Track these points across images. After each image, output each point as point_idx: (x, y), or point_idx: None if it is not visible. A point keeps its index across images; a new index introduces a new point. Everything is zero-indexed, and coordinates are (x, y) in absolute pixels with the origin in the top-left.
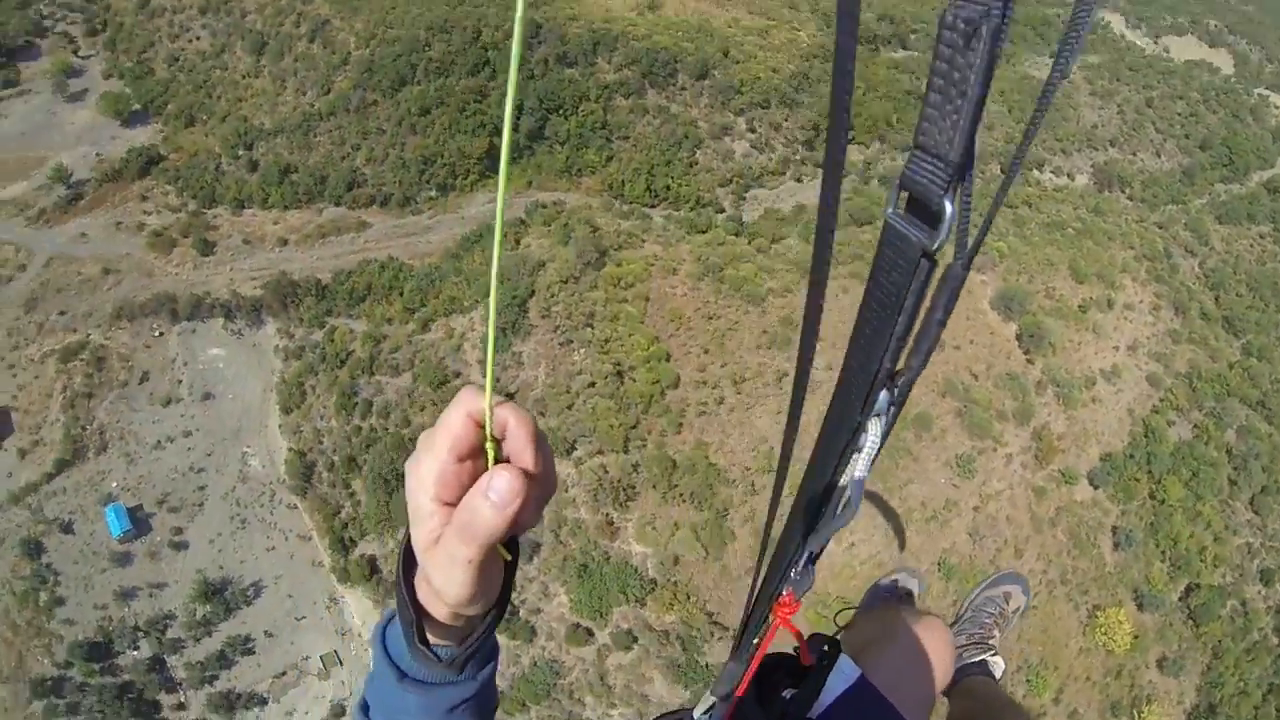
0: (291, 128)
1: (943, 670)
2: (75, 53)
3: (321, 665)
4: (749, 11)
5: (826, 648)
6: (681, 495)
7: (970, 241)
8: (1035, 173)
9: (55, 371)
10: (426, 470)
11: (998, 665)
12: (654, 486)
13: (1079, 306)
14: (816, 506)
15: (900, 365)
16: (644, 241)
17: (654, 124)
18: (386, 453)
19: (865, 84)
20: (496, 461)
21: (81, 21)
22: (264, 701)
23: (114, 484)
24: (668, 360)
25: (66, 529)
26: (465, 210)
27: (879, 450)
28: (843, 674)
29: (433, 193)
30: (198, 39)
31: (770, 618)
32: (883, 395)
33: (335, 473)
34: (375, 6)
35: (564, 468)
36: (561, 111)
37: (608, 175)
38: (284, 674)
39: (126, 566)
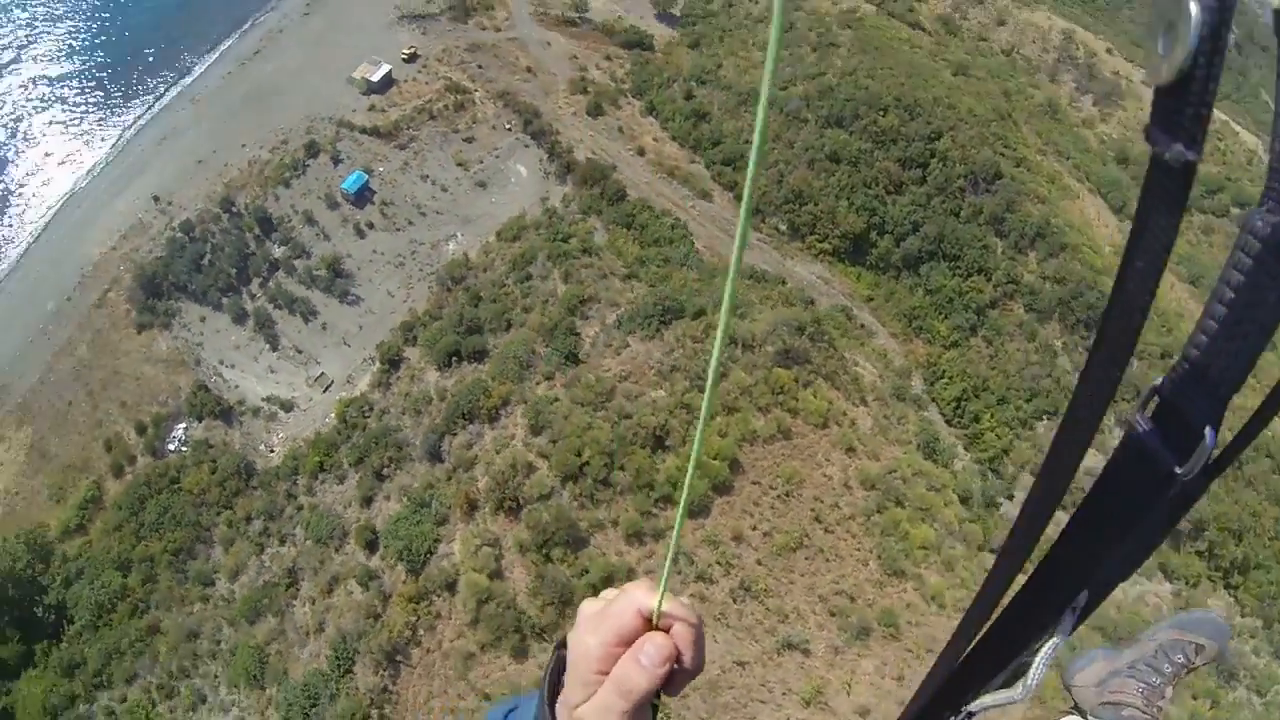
0: (735, 101)
1: None
2: None
3: (321, 378)
4: None
5: None
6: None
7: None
8: None
9: (436, 91)
10: (593, 649)
11: None
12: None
13: None
14: (985, 677)
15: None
16: (863, 403)
17: (1028, 356)
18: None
19: None
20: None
21: None
22: (299, 354)
23: (382, 168)
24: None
25: (337, 160)
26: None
27: (1062, 644)
28: None
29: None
30: None
31: None
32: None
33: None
34: (896, 60)
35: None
36: (954, 264)
37: (939, 357)
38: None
39: (326, 209)
